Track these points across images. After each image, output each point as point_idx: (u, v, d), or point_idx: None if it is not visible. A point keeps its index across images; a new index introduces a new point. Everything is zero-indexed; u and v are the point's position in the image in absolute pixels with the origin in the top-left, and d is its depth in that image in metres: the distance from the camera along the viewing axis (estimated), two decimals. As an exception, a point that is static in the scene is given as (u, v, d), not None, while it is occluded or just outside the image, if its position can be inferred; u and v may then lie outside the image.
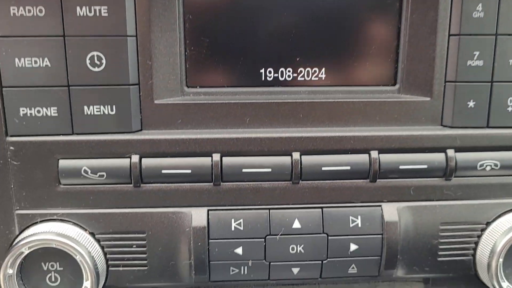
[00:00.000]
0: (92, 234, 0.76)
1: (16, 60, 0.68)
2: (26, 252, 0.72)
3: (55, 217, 0.75)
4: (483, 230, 0.80)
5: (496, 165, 0.78)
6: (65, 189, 0.74)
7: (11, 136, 0.72)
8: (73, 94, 0.70)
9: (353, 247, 0.78)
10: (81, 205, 0.75)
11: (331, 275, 0.79)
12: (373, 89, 0.78)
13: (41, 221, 0.75)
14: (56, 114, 0.71)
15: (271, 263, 0.77)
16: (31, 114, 0.71)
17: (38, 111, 0.71)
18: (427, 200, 0.79)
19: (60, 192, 0.75)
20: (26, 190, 0.74)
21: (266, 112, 0.75)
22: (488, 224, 0.80)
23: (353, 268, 0.79)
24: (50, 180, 0.74)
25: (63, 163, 0.73)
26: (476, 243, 0.81)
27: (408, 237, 0.79)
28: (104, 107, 0.71)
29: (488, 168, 0.78)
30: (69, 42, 0.68)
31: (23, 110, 0.70)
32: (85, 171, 0.74)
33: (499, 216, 0.80)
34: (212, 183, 0.75)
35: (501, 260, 0.77)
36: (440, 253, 0.80)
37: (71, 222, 0.76)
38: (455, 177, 0.78)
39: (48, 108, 0.71)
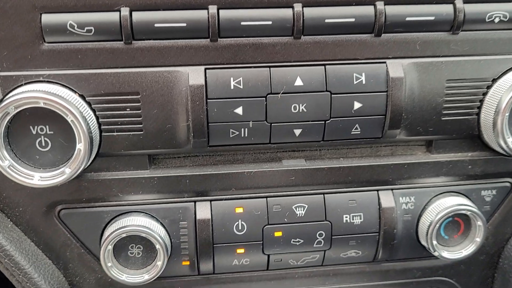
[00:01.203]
0: (82, 97, 0.72)
1: None
2: (13, 112, 0.68)
3: (41, 79, 0.71)
4: (488, 87, 0.79)
5: (505, 16, 0.76)
6: (50, 47, 0.70)
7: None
8: None
9: (357, 105, 0.76)
10: (69, 65, 0.71)
11: (333, 137, 0.78)
12: None
13: (26, 83, 0.71)
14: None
15: (272, 124, 0.75)
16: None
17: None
18: (433, 56, 0.77)
19: (45, 51, 0.70)
20: (7, 50, 0.69)
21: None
22: (494, 81, 0.79)
23: (356, 129, 0.78)
24: (33, 37, 0.69)
25: (47, 17, 0.68)
26: (481, 101, 0.80)
27: (413, 95, 0.77)
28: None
29: (496, 20, 0.76)
30: None
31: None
32: (71, 26, 0.69)
33: (505, 72, 0.79)
34: (209, 39, 0.72)
35: (507, 114, 0.76)
36: (444, 112, 0.79)
37: (58, 83, 0.71)
38: (462, 30, 0.76)
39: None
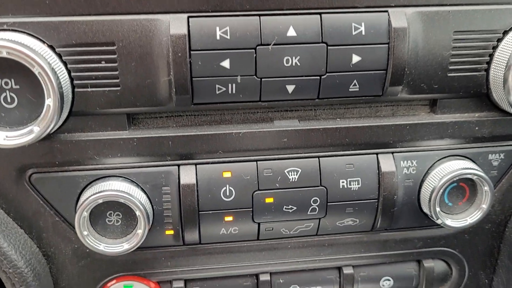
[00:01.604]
0: (52, 48, 0.66)
1: None
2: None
3: (5, 27, 0.64)
4: (499, 40, 0.73)
5: (519, -40, 0.69)
6: (14, -9, 0.63)
7: None
8: None
9: (355, 58, 0.69)
10: (36, 12, 0.64)
11: (330, 94, 0.72)
12: None
13: (-11, 32, 0.64)
14: None
15: (263, 80, 0.69)
16: None
17: None
18: (440, 5, 0.70)
19: (9, -4, 0.63)
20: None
21: None
22: (505, 33, 0.73)
23: (354, 85, 0.71)
24: (-5, -20, 0.62)
25: (9, -42, 0.61)
26: (491, 56, 0.74)
27: (417, 47, 0.71)
28: None
29: (510, -36, 0.69)
30: None
31: None
32: (37, -34, 0.62)
33: (517, 24, 0.72)
34: (192, -17, 0.65)
35: (519, 70, 0.70)
36: (451, 67, 0.73)
37: (25, 32, 0.65)
38: (471, -24, 0.69)
39: None
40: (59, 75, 0.64)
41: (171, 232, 0.76)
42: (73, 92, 0.68)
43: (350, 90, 0.72)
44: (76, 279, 0.80)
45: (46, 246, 0.77)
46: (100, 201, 0.70)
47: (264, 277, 0.85)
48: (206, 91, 0.69)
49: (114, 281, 0.82)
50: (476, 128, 0.78)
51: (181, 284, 0.83)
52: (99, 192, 0.70)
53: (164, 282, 0.84)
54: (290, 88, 0.70)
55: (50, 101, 0.63)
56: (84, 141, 0.71)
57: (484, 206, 0.78)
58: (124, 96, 0.69)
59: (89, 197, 0.70)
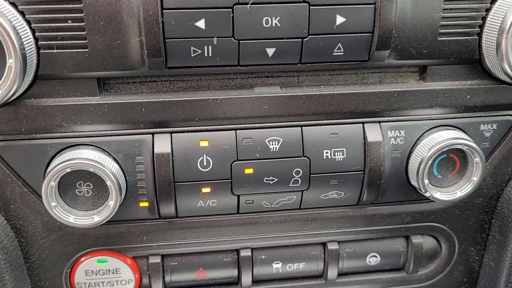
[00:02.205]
0: (14, 5, 0.62)
1: None
2: None
3: (-39, -18, 0.60)
4: (492, 2, 0.69)
5: None
6: None
7: None
8: None
9: (339, 19, 0.66)
10: (-5, -34, 0.60)
11: (313, 59, 0.68)
12: None
13: None
14: None
15: (241, 42, 0.65)
16: None
17: None
18: (430, -38, 0.66)
19: None
20: None
21: None
22: (499, -6, 0.69)
23: (339, 49, 0.68)
24: None
25: None
26: (484, 19, 0.70)
27: (406, 9, 0.67)
28: None
29: None
30: None
31: None
32: None
33: (513, -16, 0.68)
34: None
35: (513, 33, 0.66)
36: (441, 31, 0.69)
37: (-16, -12, 0.60)
38: None
39: None
40: (21, 34, 0.61)
41: (146, 204, 0.73)
42: (38, 53, 0.64)
43: (334, 54, 0.68)
44: (47, 253, 0.77)
45: (14, 218, 0.74)
46: (68, 170, 0.67)
47: (245, 253, 0.82)
48: (181, 54, 0.65)
49: (87, 256, 0.79)
50: (468, 96, 0.75)
51: (158, 259, 0.80)
52: (67, 161, 0.67)
53: (140, 257, 0.81)
54: (270, 51, 0.67)
55: (11, 62, 0.60)
56: (51, 107, 0.68)
57: (475, 179, 0.75)
58: (93, 59, 0.65)
59: (57, 165, 0.66)
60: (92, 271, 0.80)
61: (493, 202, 0.85)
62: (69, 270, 0.79)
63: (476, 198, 0.84)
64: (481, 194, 0.83)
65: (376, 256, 0.87)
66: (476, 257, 0.90)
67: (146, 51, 0.64)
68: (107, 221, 0.71)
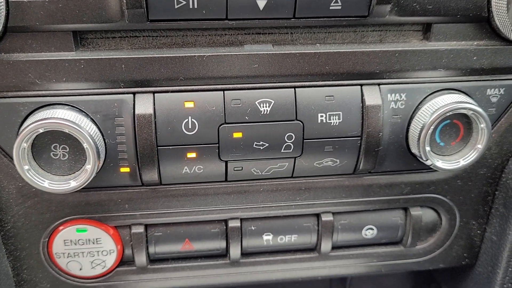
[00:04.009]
0: None
1: None
2: None
3: None
4: (504, -47, 0.64)
5: None
6: None
7: None
8: None
9: (337, -31, 0.61)
10: None
11: (307, 13, 0.64)
12: None
13: None
14: None
15: None
16: None
17: None
18: None
19: None
20: None
21: None
22: None
23: (336, 2, 0.63)
24: None
25: None
26: (494, -28, 0.65)
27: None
28: None
29: None
30: None
31: None
32: None
33: None
34: None
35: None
36: (448, -16, 0.64)
37: None
38: None
39: None
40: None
41: (127, 169, 0.69)
42: (7, 2, 0.59)
43: (331, 8, 0.63)
44: (23, 221, 0.73)
45: (-15, 183, 0.70)
46: (41, 130, 0.62)
47: (233, 223, 0.79)
48: (163, 5, 0.61)
49: (66, 225, 0.75)
50: (474, 58, 0.70)
51: (141, 229, 0.77)
52: (40, 120, 0.62)
53: (122, 227, 0.77)
54: (262, 3, 0.62)
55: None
56: (23, 62, 0.63)
57: (480, 146, 0.71)
58: (68, 9, 0.60)
59: (29, 125, 0.62)
60: (71, 241, 0.76)
61: (498, 173, 0.81)
62: (47, 239, 0.76)
63: (480, 169, 0.80)
64: (485, 164, 0.79)
65: (372, 229, 0.83)
66: (478, 231, 0.86)
67: (125, 1, 0.60)
68: (86, 188, 0.67)
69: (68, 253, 0.77)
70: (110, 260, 0.78)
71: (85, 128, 0.63)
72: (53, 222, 0.74)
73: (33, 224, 0.74)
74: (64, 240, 0.76)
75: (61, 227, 0.75)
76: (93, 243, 0.76)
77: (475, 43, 0.70)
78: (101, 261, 0.78)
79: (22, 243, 0.76)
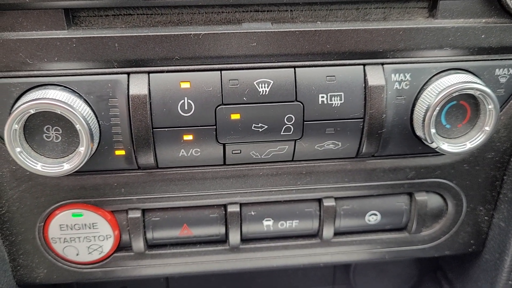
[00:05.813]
0: None
1: None
2: None
3: None
4: None
5: None
6: None
7: None
8: None
9: None
10: None
11: None
12: None
13: None
14: None
15: None
16: None
17: None
18: None
19: None
20: None
21: None
22: None
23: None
24: None
25: None
26: None
27: None
28: None
29: None
30: None
31: None
32: None
33: None
34: None
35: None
36: (455, -42, 0.62)
37: None
38: None
39: None
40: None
41: (122, 152, 0.67)
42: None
43: None
44: (18, 205, 0.72)
45: (-22, 166, 0.69)
46: (32, 111, 0.61)
47: (232, 208, 0.77)
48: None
49: (61, 209, 0.73)
50: (483, 36, 0.68)
51: (138, 214, 0.75)
52: (31, 101, 0.61)
53: (119, 211, 0.76)
54: None
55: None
56: (13, 41, 0.61)
57: (488, 129, 0.68)
58: None
59: (20, 106, 0.60)
60: (67, 226, 0.75)
61: (506, 157, 0.78)
62: (43, 224, 0.74)
63: (488, 152, 0.77)
64: (493, 147, 0.77)
65: (376, 215, 0.81)
66: (485, 217, 0.84)
67: None
68: (80, 171, 0.65)
69: (65, 238, 0.76)
70: (107, 245, 0.77)
71: (77, 109, 0.62)
72: (48, 206, 0.73)
73: (28, 209, 0.73)
74: (60, 225, 0.75)
75: (56, 212, 0.74)
76: (90, 228, 0.75)
77: (484, 20, 0.67)
78: (98, 246, 0.77)
79: (17, 228, 0.75)
